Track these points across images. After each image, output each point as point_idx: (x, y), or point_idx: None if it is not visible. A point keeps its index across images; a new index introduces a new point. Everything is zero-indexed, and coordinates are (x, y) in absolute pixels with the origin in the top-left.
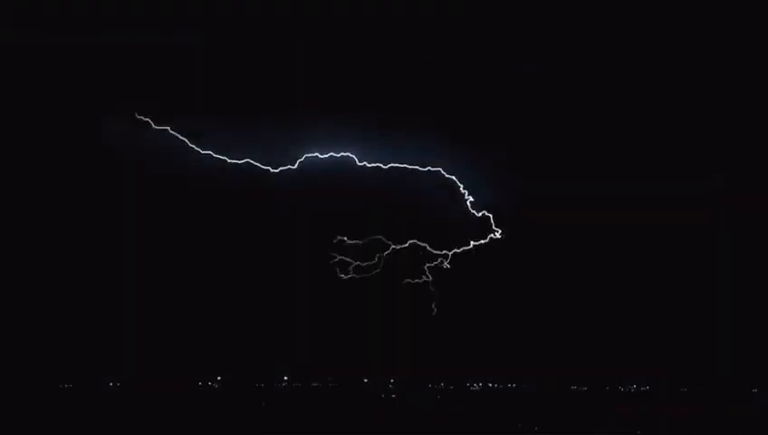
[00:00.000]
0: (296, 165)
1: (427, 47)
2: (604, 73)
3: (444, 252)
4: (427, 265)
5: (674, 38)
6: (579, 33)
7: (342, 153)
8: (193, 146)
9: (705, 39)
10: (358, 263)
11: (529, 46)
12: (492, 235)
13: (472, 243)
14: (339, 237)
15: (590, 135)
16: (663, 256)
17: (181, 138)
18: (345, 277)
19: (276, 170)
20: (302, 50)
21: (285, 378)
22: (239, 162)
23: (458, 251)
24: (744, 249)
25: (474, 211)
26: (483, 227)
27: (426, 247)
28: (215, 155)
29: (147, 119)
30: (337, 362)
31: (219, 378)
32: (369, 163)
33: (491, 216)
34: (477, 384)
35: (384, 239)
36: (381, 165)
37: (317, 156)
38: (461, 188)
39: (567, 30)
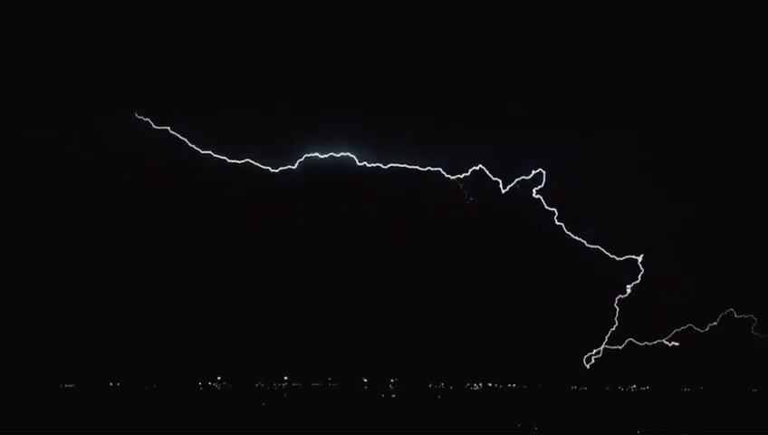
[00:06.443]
0: (296, 165)
1: (426, 47)
2: (603, 73)
3: (444, 252)
4: (428, 265)
5: None
6: (581, 33)
7: (342, 153)
8: (193, 146)
9: None
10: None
11: (527, 46)
12: (492, 235)
13: (472, 243)
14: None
15: (589, 133)
16: (662, 256)
17: (181, 138)
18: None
19: (276, 170)
20: (304, 50)
21: (285, 378)
22: (239, 162)
23: (458, 251)
24: (742, 249)
25: (474, 211)
26: (483, 227)
27: (426, 248)
28: (215, 155)
29: (147, 119)
30: (337, 363)
31: (219, 378)
32: (369, 163)
33: (491, 215)
34: (477, 384)
35: (386, 240)
36: (381, 165)
37: (317, 156)
38: (461, 188)
39: (567, 31)
